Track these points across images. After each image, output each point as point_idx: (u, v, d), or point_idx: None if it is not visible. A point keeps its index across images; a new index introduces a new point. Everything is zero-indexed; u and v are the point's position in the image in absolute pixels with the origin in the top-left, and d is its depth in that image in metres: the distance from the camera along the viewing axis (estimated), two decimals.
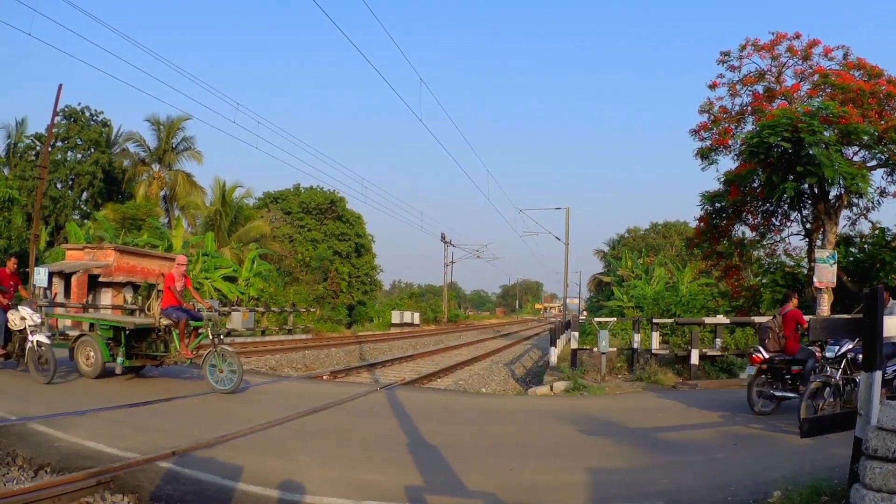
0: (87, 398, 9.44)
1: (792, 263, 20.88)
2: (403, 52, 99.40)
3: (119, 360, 10.97)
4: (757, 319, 16.66)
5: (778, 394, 9.72)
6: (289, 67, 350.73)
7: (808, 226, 19.04)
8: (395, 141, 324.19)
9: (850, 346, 8.24)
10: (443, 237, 67.75)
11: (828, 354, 8.41)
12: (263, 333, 30.04)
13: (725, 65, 20.70)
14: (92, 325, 12.06)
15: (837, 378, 8.12)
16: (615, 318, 21.96)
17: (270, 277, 39.29)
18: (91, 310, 23.69)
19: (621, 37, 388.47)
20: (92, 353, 11.02)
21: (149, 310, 11.59)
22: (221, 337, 10.87)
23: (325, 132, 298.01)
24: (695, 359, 14.93)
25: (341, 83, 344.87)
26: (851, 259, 18.65)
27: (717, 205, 19.85)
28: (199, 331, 11.09)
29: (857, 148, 17.90)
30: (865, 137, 16.89)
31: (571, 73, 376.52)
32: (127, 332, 11.12)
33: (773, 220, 20.35)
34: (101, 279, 26.62)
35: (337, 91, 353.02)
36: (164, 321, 11.04)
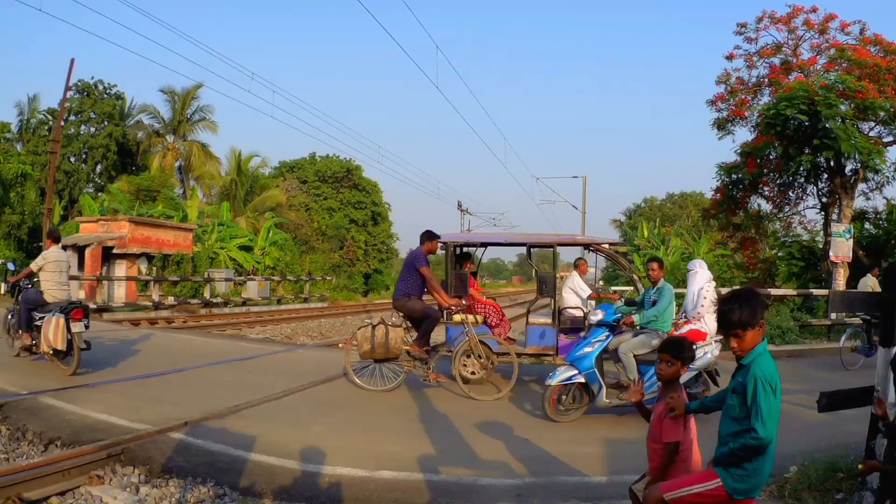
0: (98, 371, 9.36)
1: (808, 237, 20.71)
2: (419, 18, 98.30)
3: None
4: (773, 292, 16.52)
5: None
6: (304, 35, 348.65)
7: (823, 199, 18.84)
8: (412, 108, 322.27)
9: None
10: (459, 205, 67.09)
11: None
12: (279, 302, 30.21)
13: (742, 36, 20.50)
14: None
15: None
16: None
17: (286, 246, 39.33)
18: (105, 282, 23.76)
19: (639, 5, 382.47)
20: None
21: None
22: None
23: (341, 100, 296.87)
24: None
25: (357, 51, 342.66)
26: (866, 234, 18.51)
27: (734, 176, 19.66)
28: None
29: (872, 123, 17.70)
30: (882, 113, 16.75)
31: (588, 41, 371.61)
32: None
33: (790, 192, 20.18)
34: (115, 251, 26.74)
35: (353, 59, 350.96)
36: None
